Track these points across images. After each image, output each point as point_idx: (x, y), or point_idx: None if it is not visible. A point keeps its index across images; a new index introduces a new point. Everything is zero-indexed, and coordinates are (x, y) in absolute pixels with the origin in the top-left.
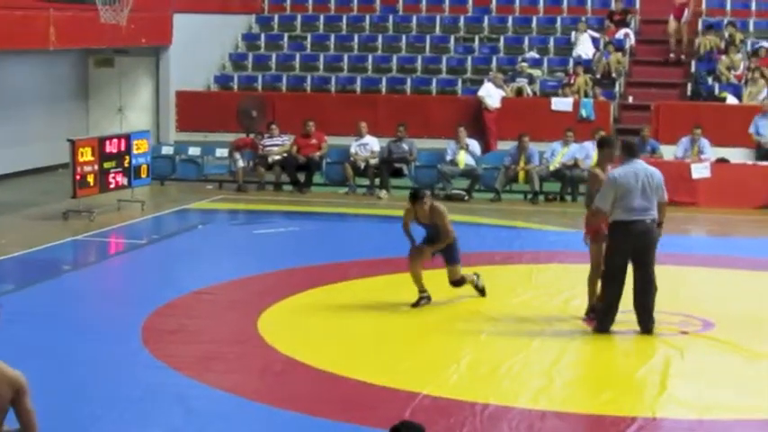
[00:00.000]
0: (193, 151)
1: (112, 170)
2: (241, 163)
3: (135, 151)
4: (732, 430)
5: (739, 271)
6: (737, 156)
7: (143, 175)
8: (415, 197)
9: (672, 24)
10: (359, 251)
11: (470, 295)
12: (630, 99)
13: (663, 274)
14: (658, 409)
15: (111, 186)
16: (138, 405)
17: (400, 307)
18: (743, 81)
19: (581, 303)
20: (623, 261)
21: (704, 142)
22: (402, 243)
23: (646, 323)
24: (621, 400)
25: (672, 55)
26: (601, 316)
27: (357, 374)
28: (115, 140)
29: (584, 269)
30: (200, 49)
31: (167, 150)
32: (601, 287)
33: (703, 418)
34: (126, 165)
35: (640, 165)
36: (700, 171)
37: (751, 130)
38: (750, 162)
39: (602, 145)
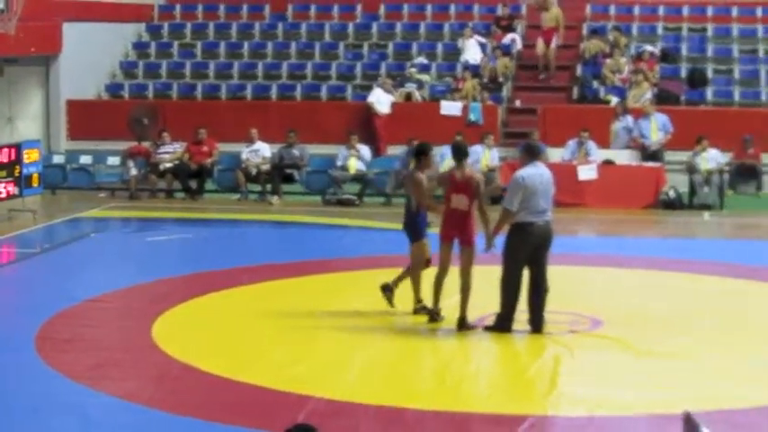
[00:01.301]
0: (85, 160)
1: (3, 180)
2: (134, 171)
3: (26, 161)
4: (622, 426)
5: (626, 270)
6: (623, 157)
7: (34, 185)
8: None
9: (540, 47)
10: (251, 257)
11: (366, 297)
12: (518, 103)
13: (552, 273)
14: (550, 407)
15: (2, 196)
16: (34, 415)
17: (291, 311)
18: (627, 84)
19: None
20: (522, 262)
21: (591, 145)
22: (294, 249)
23: (536, 323)
24: (513, 398)
25: (542, 77)
26: (504, 317)
27: (251, 379)
28: (5, 150)
29: (482, 271)
30: (91, 57)
31: (59, 159)
32: (502, 290)
33: (594, 414)
34: (16, 174)
35: (542, 167)
36: (586, 173)
37: (635, 132)
38: (635, 163)
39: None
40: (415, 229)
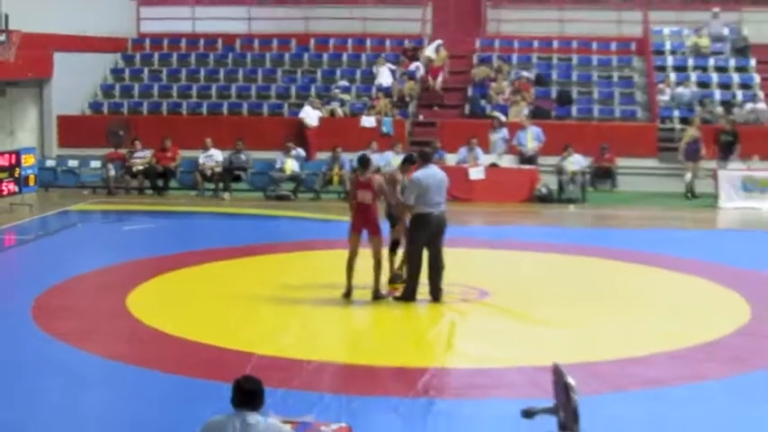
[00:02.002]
0: (72, 163)
1: (5, 180)
2: (112, 172)
3: (24, 164)
4: (502, 376)
5: (508, 251)
6: (505, 161)
7: (31, 184)
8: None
9: (431, 82)
10: (207, 242)
11: (300, 273)
12: (421, 117)
13: (447, 254)
14: (446, 361)
15: (5, 193)
16: (30, 371)
17: (240, 285)
18: (509, 103)
19: (383, 279)
20: (423, 245)
21: (478, 151)
22: (242, 235)
23: (435, 294)
24: (417, 355)
25: (435, 108)
26: (409, 289)
27: (208, 340)
28: (7, 156)
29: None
30: (77, 80)
31: (51, 163)
32: (407, 267)
33: (481, 366)
34: (16, 175)
35: (434, 168)
36: (476, 173)
37: (514, 141)
38: (515, 166)
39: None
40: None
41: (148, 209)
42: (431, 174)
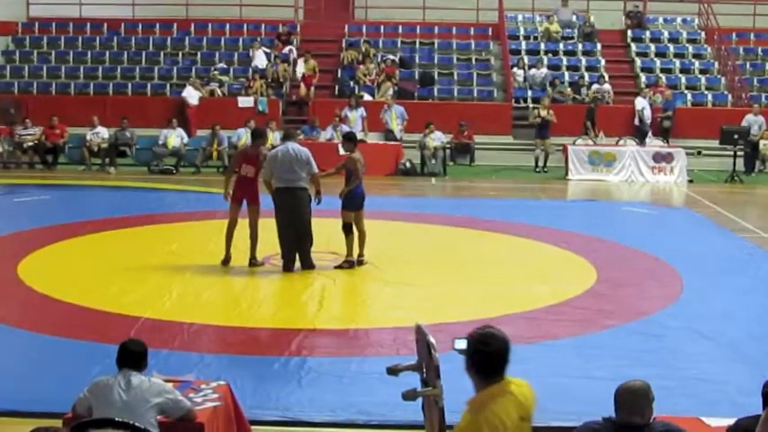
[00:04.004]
0: None
1: None
2: (3, 148)
3: None
4: (370, 336)
5: (376, 221)
6: (373, 138)
7: None
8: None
9: (302, 90)
10: (94, 213)
11: (182, 242)
12: (294, 98)
13: (319, 224)
14: (317, 323)
15: None
16: None
17: (126, 253)
18: (375, 84)
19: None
20: (284, 217)
21: (344, 128)
22: (127, 207)
23: (305, 263)
24: (291, 316)
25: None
26: (285, 259)
27: (97, 305)
28: None
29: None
30: None
31: None
32: (278, 238)
33: (349, 327)
34: None
35: (289, 145)
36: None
37: (381, 116)
38: (381, 142)
39: (257, 135)
40: (346, 199)
41: (38, 182)
42: (282, 150)
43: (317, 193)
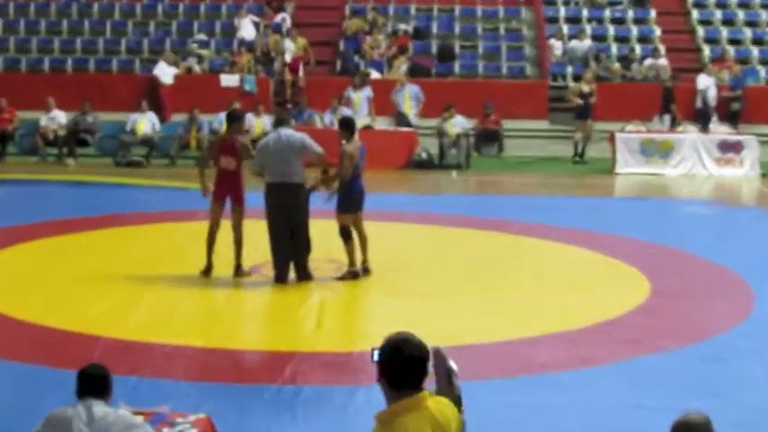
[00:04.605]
0: None
1: None
2: None
3: None
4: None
5: (384, 223)
6: (382, 123)
7: None
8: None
9: (288, 76)
10: (50, 213)
11: (154, 247)
12: (288, 76)
13: (316, 227)
14: (315, 345)
15: None
16: None
17: (88, 261)
18: (384, 59)
19: (249, 254)
20: (277, 218)
21: (345, 110)
22: (89, 206)
23: (300, 274)
24: (284, 336)
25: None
26: (276, 270)
27: (51, 323)
28: None
29: (259, 225)
30: None
31: None
32: (270, 242)
33: (353, 349)
34: None
35: (284, 131)
36: None
37: (392, 97)
38: (391, 128)
39: (232, 119)
40: (342, 199)
41: None
42: (273, 138)
43: (323, 180)
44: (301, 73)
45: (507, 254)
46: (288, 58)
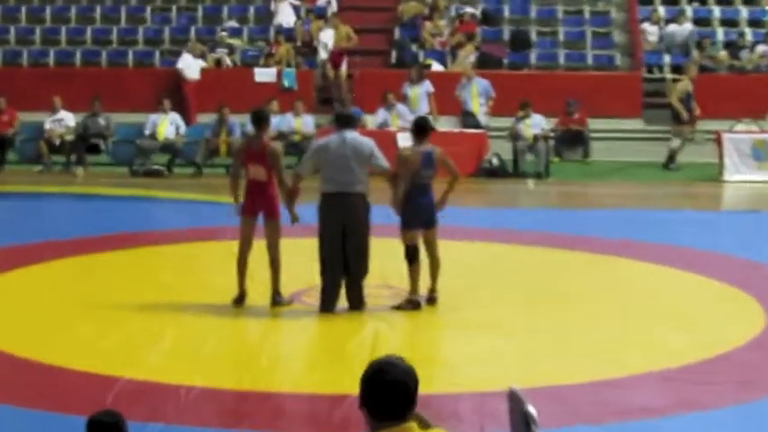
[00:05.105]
0: None
1: None
2: None
3: None
4: (443, 403)
5: (449, 241)
6: (442, 124)
7: None
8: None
9: (330, 72)
10: (55, 231)
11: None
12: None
13: (373, 246)
14: None
15: None
16: None
17: (98, 287)
18: (447, 47)
19: (288, 280)
20: (332, 234)
21: (402, 108)
22: (100, 223)
23: (352, 302)
24: (332, 377)
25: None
26: (323, 295)
27: (56, 360)
28: None
29: (299, 245)
30: None
31: None
32: (320, 263)
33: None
34: None
35: (350, 135)
36: (405, 139)
37: (457, 92)
38: (457, 130)
39: (259, 120)
40: (407, 213)
41: None
42: (335, 141)
43: (394, 200)
44: (344, 66)
45: (593, 278)
46: (326, 49)
